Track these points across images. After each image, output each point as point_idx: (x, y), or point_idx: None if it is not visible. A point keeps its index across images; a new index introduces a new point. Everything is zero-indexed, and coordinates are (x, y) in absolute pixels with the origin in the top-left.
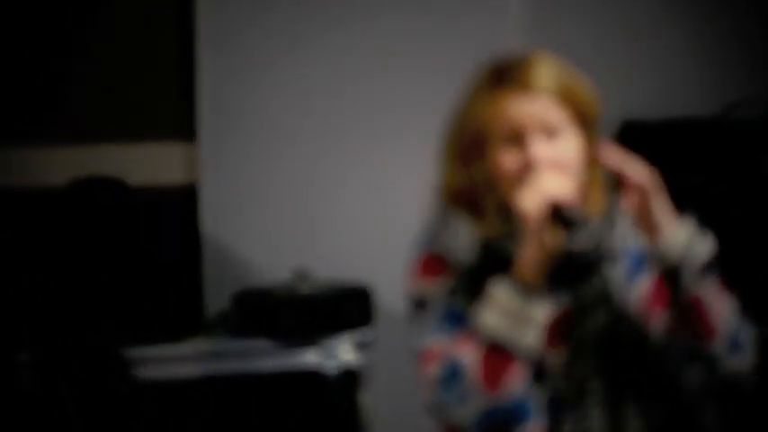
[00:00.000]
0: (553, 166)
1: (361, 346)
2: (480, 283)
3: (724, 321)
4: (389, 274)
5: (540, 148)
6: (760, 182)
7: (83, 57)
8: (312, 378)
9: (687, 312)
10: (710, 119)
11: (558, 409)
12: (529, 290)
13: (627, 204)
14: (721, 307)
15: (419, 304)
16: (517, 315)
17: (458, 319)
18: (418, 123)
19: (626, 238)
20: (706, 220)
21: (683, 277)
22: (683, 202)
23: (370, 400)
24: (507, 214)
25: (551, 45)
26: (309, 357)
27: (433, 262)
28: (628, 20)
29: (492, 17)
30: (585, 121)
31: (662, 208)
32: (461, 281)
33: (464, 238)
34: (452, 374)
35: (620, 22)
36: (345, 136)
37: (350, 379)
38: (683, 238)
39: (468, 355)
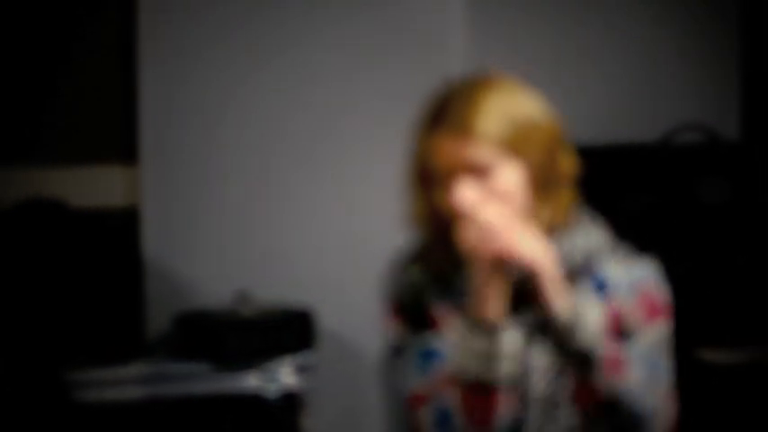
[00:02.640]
0: (489, 201)
1: (303, 370)
2: (430, 315)
3: (617, 394)
4: (331, 298)
5: (466, 191)
6: (697, 205)
7: (24, 79)
8: (253, 401)
9: (578, 386)
10: (651, 144)
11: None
12: (490, 326)
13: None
14: (615, 380)
15: (394, 348)
16: (485, 354)
17: (432, 356)
18: (360, 149)
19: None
20: (647, 241)
21: (570, 353)
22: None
23: (311, 424)
24: (450, 248)
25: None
26: (250, 380)
27: (395, 302)
28: (570, 47)
29: (436, 44)
30: (536, 149)
31: (549, 286)
32: (416, 316)
33: (414, 274)
34: (444, 417)
35: (561, 49)
36: (288, 160)
37: (291, 402)
38: (566, 315)
39: (452, 397)
